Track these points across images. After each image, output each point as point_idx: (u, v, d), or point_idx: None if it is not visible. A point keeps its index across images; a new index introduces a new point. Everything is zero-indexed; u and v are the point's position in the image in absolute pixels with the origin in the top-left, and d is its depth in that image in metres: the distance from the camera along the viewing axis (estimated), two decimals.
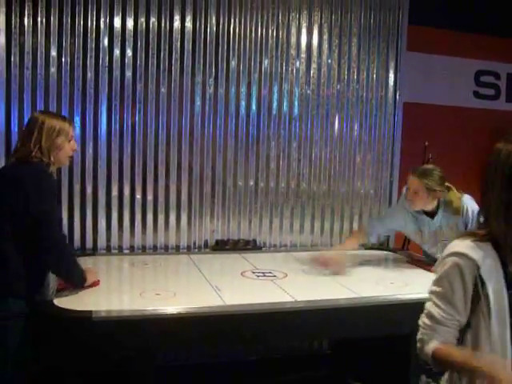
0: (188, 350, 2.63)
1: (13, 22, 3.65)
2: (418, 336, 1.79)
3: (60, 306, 2.52)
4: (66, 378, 2.90)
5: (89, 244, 3.86)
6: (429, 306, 1.79)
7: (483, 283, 1.70)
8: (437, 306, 1.76)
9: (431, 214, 3.50)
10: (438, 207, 3.47)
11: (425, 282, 3.21)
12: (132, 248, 3.97)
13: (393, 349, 3.26)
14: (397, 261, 3.88)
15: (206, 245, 4.12)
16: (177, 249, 4.05)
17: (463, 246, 1.74)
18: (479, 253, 1.71)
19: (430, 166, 3.53)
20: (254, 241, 4.19)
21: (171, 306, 2.58)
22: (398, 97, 4.49)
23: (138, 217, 3.95)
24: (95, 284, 2.87)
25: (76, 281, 2.77)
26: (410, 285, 3.23)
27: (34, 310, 2.56)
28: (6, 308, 2.58)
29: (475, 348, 1.73)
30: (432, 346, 1.73)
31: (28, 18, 3.67)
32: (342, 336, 3.18)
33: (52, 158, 2.73)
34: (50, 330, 2.53)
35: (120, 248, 3.94)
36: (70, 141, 2.82)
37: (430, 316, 1.76)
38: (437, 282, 1.80)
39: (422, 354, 1.76)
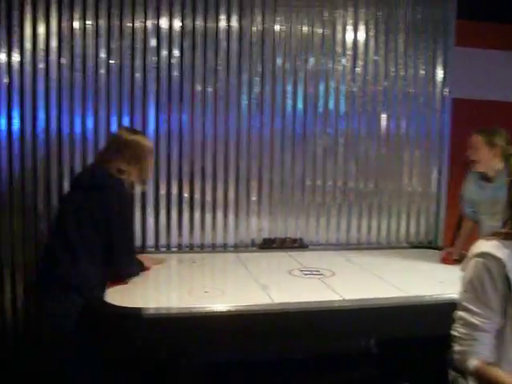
0: (236, 348, 2.63)
1: (63, 25, 3.74)
2: (457, 348, 1.74)
3: (111, 302, 2.57)
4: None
5: (137, 242, 3.91)
6: (463, 314, 1.75)
7: (510, 282, 1.66)
8: (471, 312, 1.71)
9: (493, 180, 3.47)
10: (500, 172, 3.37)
11: None
12: (180, 246, 4.01)
13: (441, 349, 3.22)
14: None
15: (252, 243, 4.14)
16: (224, 247, 4.08)
17: (488, 245, 1.71)
18: (505, 251, 1.67)
19: (494, 127, 3.48)
20: (301, 239, 4.19)
21: (220, 304, 2.60)
22: (446, 93, 4.41)
23: (186, 215, 4.00)
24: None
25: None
26: (459, 284, 3.18)
27: (88, 307, 2.63)
28: (71, 304, 2.71)
29: (500, 350, 1.69)
30: (474, 363, 1.68)
31: (78, 21, 3.76)
32: (390, 336, 3.13)
33: (137, 176, 3.01)
34: (101, 326, 2.59)
35: (168, 246, 4.00)
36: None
37: (467, 324, 1.72)
38: (467, 287, 1.76)
39: (462, 367, 1.72)
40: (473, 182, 3.63)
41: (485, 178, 3.52)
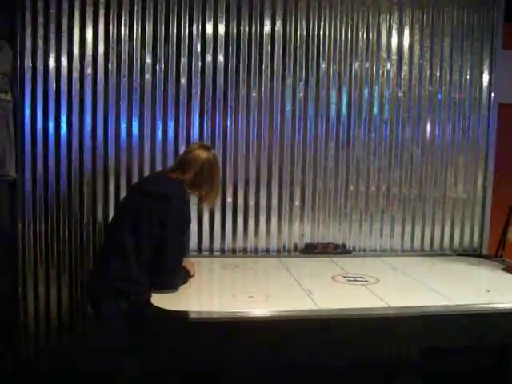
0: (279, 353, 2.63)
1: (110, 31, 3.80)
2: None
3: (157, 305, 2.60)
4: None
5: None
6: None
7: None
8: None
9: None
10: None
11: None
12: (222, 250, 4.03)
13: (486, 359, 3.17)
14: (491, 268, 3.75)
15: (295, 248, 4.13)
16: (267, 252, 4.08)
17: None
18: None
19: None
20: (344, 245, 4.17)
21: (266, 309, 2.60)
22: (492, 98, 4.33)
23: (229, 220, 4.01)
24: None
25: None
26: (507, 293, 3.12)
27: (134, 309, 2.66)
28: (118, 308, 2.76)
29: None
30: None
31: (124, 27, 3.81)
32: (434, 344, 3.11)
33: (207, 194, 3.09)
34: (147, 329, 2.62)
35: (211, 250, 4.01)
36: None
37: None
38: None
39: None
40: None
41: None
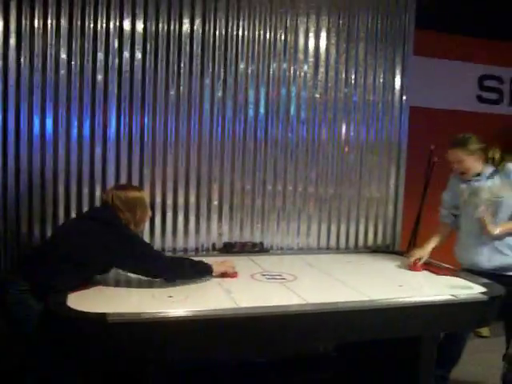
0: (200, 352, 2.63)
1: (23, 24, 3.66)
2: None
3: (74, 307, 2.53)
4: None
5: None
6: None
7: None
8: None
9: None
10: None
11: (433, 285, 3.27)
12: None
13: (401, 352, 3.28)
14: (403, 264, 3.88)
15: (214, 247, 4.13)
16: (185, 251, 4.06)
17: None
18: None
19: (461, 134, 3.57)
20: (262, 243, 4.21)
21: (186, 309, 2.59)
22: (404, 101, 4.50)
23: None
24: (231, 276, 3.25)
25: (200, 278, 3.15)
26: (418, 288, 3.26)
27: (49, 310, 2.59)
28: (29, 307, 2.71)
29: None
30: None
31: (38, 20, 3.68)
32: (352, 339, 3.18)
33: (136, 226, 3.10)
34: (64, 331, 2.55)
35: None
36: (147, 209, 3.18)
37: None
38: None
39: None
40: (456, 182, 3.68)
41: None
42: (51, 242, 3.06)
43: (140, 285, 3.06)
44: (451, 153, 3.54)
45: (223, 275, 3.22)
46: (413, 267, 3.64)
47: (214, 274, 3.18)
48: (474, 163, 3.50)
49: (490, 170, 3.52)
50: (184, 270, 3.07)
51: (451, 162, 3.57)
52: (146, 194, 3.26)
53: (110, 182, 3.84)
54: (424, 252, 3.69)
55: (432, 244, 3.71)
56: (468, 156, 3.48)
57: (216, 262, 3.26)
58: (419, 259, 3.66)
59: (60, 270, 2.77)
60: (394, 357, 3.37)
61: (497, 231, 3.39)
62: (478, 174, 3.54)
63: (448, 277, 3.43)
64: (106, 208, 3.07)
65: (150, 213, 3.24)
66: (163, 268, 3.03)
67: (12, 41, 3.64)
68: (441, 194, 3.80)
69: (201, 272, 3.14)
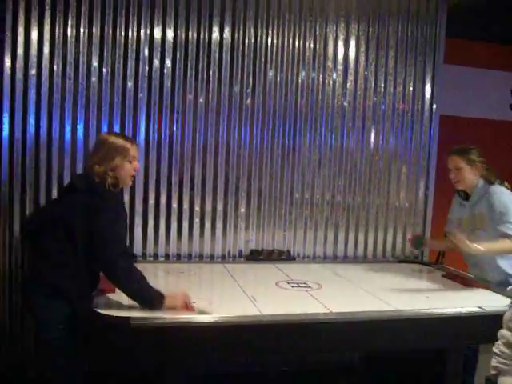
0: (222, 358, 2.64)
1: (56, 32, 3.74)
2: (494, 363, 1.78)
3: (98, 311, 2.56)
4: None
5: None
6: (506, 333, 1.78)
7: None
8: None
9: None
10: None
11: (461, 296, 3.23)
12: (167, 256, 4.00)
13: (427, 364, 3.25)
14: (432, 274, 3.85)
15: (240, 254, 4.14)
16: (211, 258, 4.08)
17: None
18: None
19: (465, 145, 3.55)
20: (288, 251, 4.20)
21: (209, 315, 2.60)
22: (434, 109, 4.46)
23: (174, 225, 4.00)
24: (187, 309, 2.64)
25: (143, 305, 2.63)
26: (446, 299, 3.21)
27: (76, 315, 2.62)
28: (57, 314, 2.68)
29: None
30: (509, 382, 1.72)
31: (71, 28, 3.76)
32: (376, 349, 3.16)
33: (113, 177, 2.78)
34: (89, 334, 2.59)
35: (155, 256, 3.99)
36: (131, 161, 2.87)
37: (509, 344, 1.75)
38: None
39: (496, 382, 1.76)
40: (457, 203, 3.66)
41: (465, 196, 3.56)
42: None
43: (165, 290, 3.08)
44: (451, 159, 3.51)
45: (183, 309, 2.65)
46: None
47: (163, 308, 2.62)
48: (470, 174, 3.45)
49: (480, 189, 3.45)
50: (137, 284, 2.65)
51: (449, 170, 3.53)
52: (134, 147, 2.91)
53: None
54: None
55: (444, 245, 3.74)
56: (466, 165, 3.44)
57: (170, 295, 2.68)
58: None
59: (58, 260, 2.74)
60: (421, 368, 3.34)
61: (478, 248, 3.33)
62: (467, 196, 3.52)
63: (475, 288, 3.38)
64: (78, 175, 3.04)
65: (137, 166, 2.95)
66: (116, 262, 2.63)
67: (46, 49, 3.73)
68: None
69: (150, 299, 2.63)
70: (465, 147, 3.51)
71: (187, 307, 2.64)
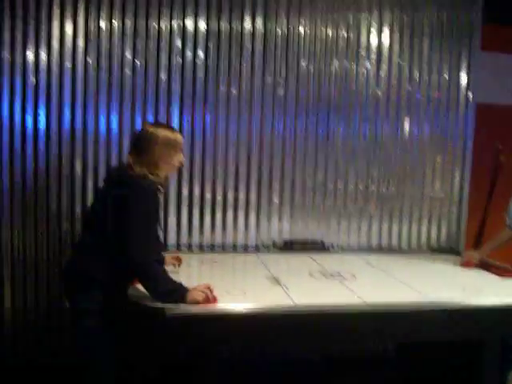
0: (256, 347, 2.65)
1: (90, 25, 3.78)
2: None
3: (134, 300, 2.59)
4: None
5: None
6: None
7: None
8: None
9: None
10: None
11: (497, 288, 3.18)
12: (201, 246, 4.03)
13: (464, 356, 3.21)
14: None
15: (273, 245, 4.15)
16: (245, 248, 4.10)
17: None
18: None
19: None
20: (322, 242, 4.19)
21: (243, 304, 2.61)
22: (470, 98, 4.38)
23: (208, 216, 4.02)
24: (209, 302, 2.57)
25: (164, 300, 2.54)
26: (482, 291, 3.15)
27: (111, 304, 2.66)
28: (93, 303, 2.71)
29: None
30: None
31: (105, 21, 3.80)
32: (411, 340, 3.13)
33: (160, 171, 2.75)
34: (125, 324, 2.62)
35: (189, 246, 4.02)
36: (177, 153, 2.83)
37: None
38: None
39: None
40: None
41: None
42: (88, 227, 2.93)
43: (199, 280, 3.10)
44: None
45: (205, 303, 2.57)
46: (465, 264, 3.62)
47: (188, 302, 2.54)
48: None
49: None
50: (158, 279, 2.59)
51: None
52: (180, 138, 2.87)
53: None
54: (477, 254, 3.61)
55: (488, 247, 3.62)
56: None
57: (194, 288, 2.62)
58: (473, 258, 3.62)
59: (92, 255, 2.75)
60: (457, 360, 3.30)
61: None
62: None
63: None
64: (119, 166, 3.01)
65: (182, 159, 2.89)
66: (140, 257, 2.58)
67: (80, 42, 3.77)
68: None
69: (171, 294, 2.56)
70: None
71: (209, 300, 2.57)
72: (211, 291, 2.61)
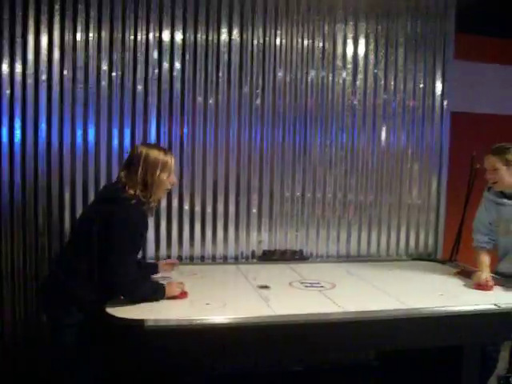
0: (237, 359, 2.65)
1: (66, 38, 3.76)
2: None
3: (113, 314, 2.57)
4: None
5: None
6: None
7: None
8: None
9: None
10: None
11: (474, 293, 3.20)
12: (180, 258, 4.01)
13: (442, 361, 3.23)
14: (445, 272, 3.82)
15: (253, 255, 4.15)
16: (224, 259, 4.09)
17: None
18: None
19: (503, 143, 3.45)
20: (301, 251, 4.20)
21: (222, 316, 2.60)
22: (445, 106, 4.43)
23: (186, 227, 4.01)
24: (181, 296, 2.89)
25: (147, 301, 2.75)
26: (460, 296, 3.18)
27: (89, 319, 2.64)
28: (71, 317, 2.72)
29: None
30: None
31: (80, 33, 3.78)
32: (391, 347, 3.15)
33: (151, 194, 2.80)
34: (103, 337, 2.60)
35: (168, 257, 3.98)
36: (168, 175, 2.88)
37: None
38: None
39: None
40: (491, 203, 3.56)
41: (504, 195, 3.51)
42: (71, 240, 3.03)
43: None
44: (487, 159, 3.46)
45: (178, 296, 2.88)
46: (485, 287, 3.33)
47: (165, 297, 2.82)
48: (507, 174, 3.39)
49: None
50: (142, 290, 2.77)
51: (486, 170, 3.49)
52: (172, 160, 2.93)
53: None
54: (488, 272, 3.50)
55: (486, 270, 3.57)
56: (503, 166, 3.39)
57: (167, 283, 2.95)
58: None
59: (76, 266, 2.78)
60: (436, 367, 3.32)
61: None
62: (504, 195, 3.46)
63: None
64: (106, 186, 3.10)
65: (173, 180, 2.97)
66: (124, 274, 2.68)
67: (56, 54, 3.75)
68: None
69: (156, 294, 2.81)
70: (501, 147, 3.42)
71: (184, 294, 2.90)
72: (183, 286, 2.93)
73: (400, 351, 3.44)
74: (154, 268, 3.35)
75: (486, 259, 3.54)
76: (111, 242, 2.65)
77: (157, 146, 3.23)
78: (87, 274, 2.73)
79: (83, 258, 2.74)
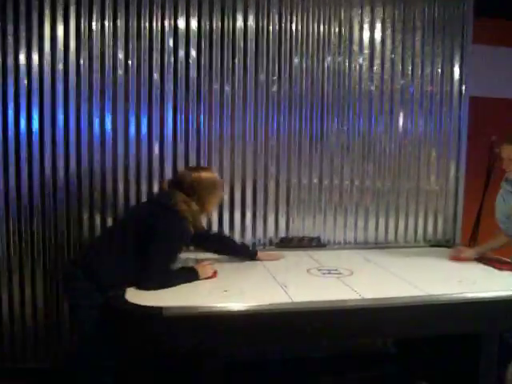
0: (255, 346, 2.66)
1: (82, 27, 3.77)
2: None
3: (131, 301, 2.60)
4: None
5: None
6: None
7: None
8: None
9: None
10: None
11: (493, 280, 3.19)
12: None
13: (461, 348, 3.21)
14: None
15: (270, 242, 4.15)
16: None
17: None
18: None
19: None
20: (319, 238, 4.19)
21: (240, 303, 2.61)
22: (463, 91, 4.38)
23: None
24: (213, 275, 3.13)
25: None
26: (478, 283, 3.16)
27: (107, 304, 2.67)
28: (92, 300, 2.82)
29: None
30: None
31: (96, 22, 3.78)
32: (409, 335, 3.14)
33: (205, 210, 3.15)
34: (121, 324, 2.63)
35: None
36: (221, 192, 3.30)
37: None
38: None
39: None
40: (509, 193, 3.55)
41: None
42: (109, 230, 3.32)
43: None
44: (503, 149, 3.43)
45: (209, 277, 3.11)
46: (452, 258, 3.67)
47: (200, 278, 3.04)
48: None
49: None
50: (174, 281, 2.92)
51: (503, 159, 3.45)
52: (218, 177, 3.34)
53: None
54: (472, 251, 3.64)
55: (484, 248, 3.62)
56: None
57: (197, 265, 3.17)
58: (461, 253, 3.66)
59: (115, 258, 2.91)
60: (455, 354, 3.31)
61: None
62: None
63: (510, 272, 3.33)
64: (162, 192, 3.25)
65: (222, 195, 3.40)
66: (157, 278, 2.84)
67: (72, 44, 3.76)
68: None
69: (189, 280, 3.00)
70: None
71: (215, 274, 3.14)
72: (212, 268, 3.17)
73: (418, 338, 3.43)
74: (252, 255, 3.63)
75: (495, 242, 3.62)
76: (156, 245, 2.83)
77: (203, 167, 3.51)
78: (117, 261, 2.87)
79: (121, 251, 2.89)
